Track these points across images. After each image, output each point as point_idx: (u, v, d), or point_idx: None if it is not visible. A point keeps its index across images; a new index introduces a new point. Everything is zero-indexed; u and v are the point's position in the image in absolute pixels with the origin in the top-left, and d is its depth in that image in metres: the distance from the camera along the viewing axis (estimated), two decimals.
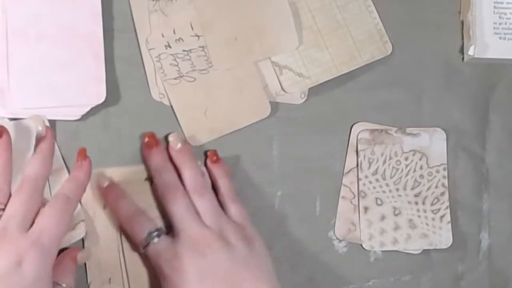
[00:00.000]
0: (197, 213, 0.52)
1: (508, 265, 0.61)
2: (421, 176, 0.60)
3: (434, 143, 0.61)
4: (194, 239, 0.50)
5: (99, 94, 0.56)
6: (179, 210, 0.52)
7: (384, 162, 0.60)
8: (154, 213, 0.54)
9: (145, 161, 0.56)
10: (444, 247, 0.60)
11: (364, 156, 0.60)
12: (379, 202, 0.60)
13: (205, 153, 0.57)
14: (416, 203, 0.60)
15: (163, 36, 0.58)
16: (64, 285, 0.48)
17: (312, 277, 0.59)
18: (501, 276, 0.61)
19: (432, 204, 0.60)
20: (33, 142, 0.54)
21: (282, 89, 0.59)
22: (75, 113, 0.56)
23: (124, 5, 0.58)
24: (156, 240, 0.51)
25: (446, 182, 0.60)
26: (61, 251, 0.53)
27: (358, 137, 0.60)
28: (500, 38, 0.61)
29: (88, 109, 0.56)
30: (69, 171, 0.55)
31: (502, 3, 0.61)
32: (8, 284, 0.43)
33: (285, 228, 0.59)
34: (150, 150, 0.55)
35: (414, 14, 0.62)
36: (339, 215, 0.59)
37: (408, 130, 0.61)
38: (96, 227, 0.54)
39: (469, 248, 0.61)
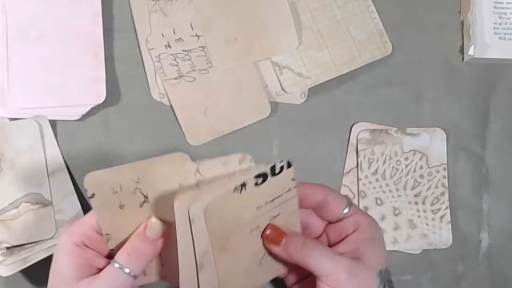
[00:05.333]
0: None
1: (508, 265, 0.61)
2: (421, 176, 0.60)
3: (434, 143, 0.61)
4: None
5: (99, 94, 0.56)
6: None
7: (384, 162, 0.60)
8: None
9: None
10: (444, 247, 0.60)
11: (364, 156, 0.60)
12: (379, 202, 0.60)
13: None
14: (416, 203, 0.60)
15: (163, 36, 0.58)
16: (116, 265, 0.44)
17: None
18: (501, 276, 0.61)
19: (432, 204, 0.60)
20: (34, 142, 0.54)
21: (282, 89, 0.59)
22: (75, 113, 0.56)
23: (124, 5, 0.58)
24: None
25: (446, 182, 0.60)
26: None
27: (358, 137, 0.60)
28: (500, 38, 0.61)
29: (88, 109, 0.56)
30: (69, 171, 0.55)
31: (502, 3, 0.61)
32: None
33: None
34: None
35: (414, 14, 0.62)
36: None
37: (408, 130, 0.61)
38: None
39: (469, 248, 0.61)
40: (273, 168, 0.44)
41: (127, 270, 0.44)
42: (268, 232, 0.47)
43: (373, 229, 0.49)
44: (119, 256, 0.44)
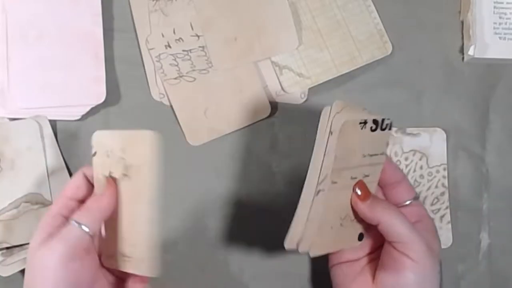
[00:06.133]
0: None
1: (508, 265, 0.61)
2: (421, 176, 0.60)
3: (434, 143, 0.61)
4: None
5: (99, 94, 0.56)
6: None
7: None
8: None
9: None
10: (444, 247, 0.60)
11: None
12: None
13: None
14: None
15: (163, 36, 0.58)
16: (73, 222, 0.45)
17: (312, 277, 0.59)
18: (501, 276, 0.61)
19: (432, 204, 0.60)
20: (34, 142, 0.54)
21: (282, 89, 0.59)
22: (75, 113, 0.56)
23: (124, 5, 0.58)
24: None
25: (446, 182, 0.60)
26: None
27: None
28: (500, 38, 0.61)
29: (88, 109, 0.56)
30: (69, 171, 0.56)
31: (502, 3, 0.61)
32: None
33: (286, 228, 0.59)
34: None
35: (414, 14, 0.62)
36: None
37: (408, 130, 0.61)
38: None
39: (469, 248, 0.61)
40: (382, 121, 0.45)
41: (85, 228, 0.45)
42: (357, 187, 0.48)
43: (434, 225, 0.50)
44: (76, 215, 0.46)
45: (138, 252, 0.46)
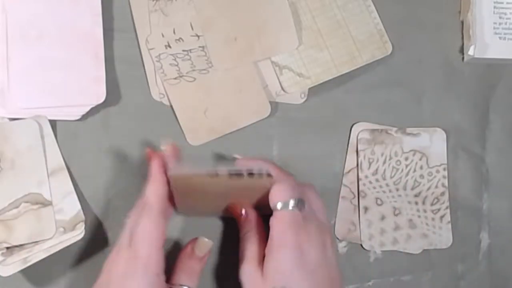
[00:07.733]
0: None
1: (508, 265, 0.61)
2: (421, 176, 0.60)
3: (434, 143, 0.61)
4: None
5: (99, 94, 0.56)
6: None
7: (384, 162, 0.60)
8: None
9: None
10: (444, 247, 0.60)
11: (364, 156, 0.60)
12: (379, 202, 0.60)
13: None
14: (416, 203, 0.60)
15: (163, 36, 0.58)
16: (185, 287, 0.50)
17: None
18: (501, 276, 0.61)
19: (432, 204, 0.60)
20: (34, 142, 0.54)
21: (282, 89, 0.59)
22: (75, 113, 0.56)
23: (124, 5, 0.58)
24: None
25: (446, 182, 0.60)
26: (63, 252, 0.53)
27: (358, 137, 0.60)
28: (500, 38, 0.61)
29: (88, 109, 0.56)
30: (69, 171, 0.55)
31: (502, 3, 0.61)
32: None
33: None
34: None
35: (414, 14, 0.62)
36: (339, 215, 0.59)
37: (408, 130, 0.61)
38: None
39: (469, 248, 0.61)
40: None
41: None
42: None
43: (282, 237, 0.48)
44: (179, 279, 0.50)
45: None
